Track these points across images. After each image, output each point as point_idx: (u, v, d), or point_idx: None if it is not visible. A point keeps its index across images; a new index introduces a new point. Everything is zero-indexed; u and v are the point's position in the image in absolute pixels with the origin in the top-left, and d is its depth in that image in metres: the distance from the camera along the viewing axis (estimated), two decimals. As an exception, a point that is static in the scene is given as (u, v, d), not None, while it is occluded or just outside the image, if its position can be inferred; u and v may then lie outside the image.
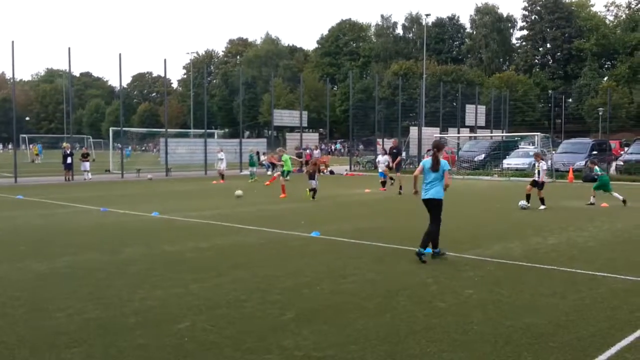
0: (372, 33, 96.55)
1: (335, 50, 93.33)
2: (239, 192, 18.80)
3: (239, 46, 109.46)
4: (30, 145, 59.30)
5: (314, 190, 18.00)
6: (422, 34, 77.86)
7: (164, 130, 34.76)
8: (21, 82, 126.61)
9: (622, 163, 28.73)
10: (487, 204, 17.25)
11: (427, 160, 9.02)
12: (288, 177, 19.98)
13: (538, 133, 29.18)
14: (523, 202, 15.20)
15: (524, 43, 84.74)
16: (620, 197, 16.00)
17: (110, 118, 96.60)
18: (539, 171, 15.37)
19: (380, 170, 22.01)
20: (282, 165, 20.24)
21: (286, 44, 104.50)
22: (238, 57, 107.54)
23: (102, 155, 50.98)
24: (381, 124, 40.95)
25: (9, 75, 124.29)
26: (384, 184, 21.43)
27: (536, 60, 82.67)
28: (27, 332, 5.52)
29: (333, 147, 69.92)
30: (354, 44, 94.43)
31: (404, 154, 30.53)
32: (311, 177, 18.32)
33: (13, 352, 5.00)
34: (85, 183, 26.10)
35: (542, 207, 15.03)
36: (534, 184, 15.47)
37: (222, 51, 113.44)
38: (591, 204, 16.18)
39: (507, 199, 18.65)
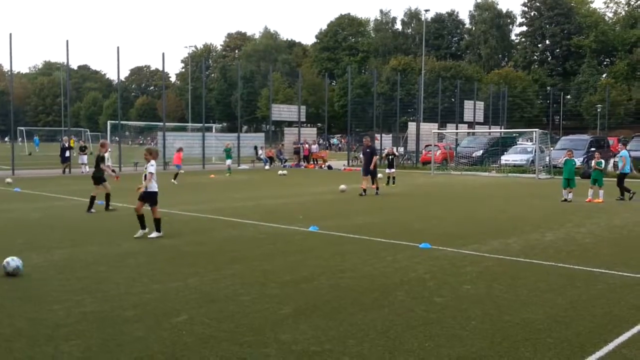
0: (371, 28, 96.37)
1: (333, 45, 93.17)
2: (343, 186, 18.92)
3: (237, 40, 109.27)
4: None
5: (389, 178, 21.33)
6: (421, 30, 77.76)
7: (161, 124, 34.69)
8: (19, 75, 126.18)
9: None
10: (485, 200, 17.26)
11: None
12: None
13: (536, 129, 29.17)
14: (152, 235, 10.00)
15: (523, 39, 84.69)
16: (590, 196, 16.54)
17: (108, 111, 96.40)
18: (145, 175, 10.27)
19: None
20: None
21: (285, 39, 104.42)
22: (236, 51, 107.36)
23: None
24: (379, 120, 40.92)
25: (6, 67, 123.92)
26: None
27: (535, 57, 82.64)
28: (25, 324, 5.51)
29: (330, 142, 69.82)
30: (353, 39, 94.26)
31: (395, 149, 30.06)
32: (390, 166, 21.71)
33: (11, 344, 4.99)
34: (82, 176, 26.03)
35: (153, 234, 10.09)
36: (142, 197, 10.19)
37: (221, 45, 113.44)
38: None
39: (505, 195, 18.67)
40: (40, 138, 69.36)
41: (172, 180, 21.86)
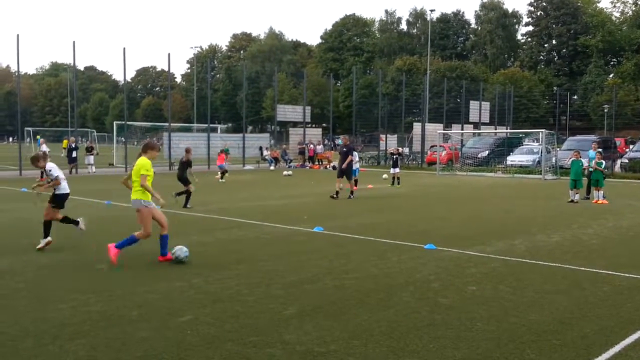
0: (376, 28, 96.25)
1: (338, 46, 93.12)
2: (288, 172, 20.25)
3: (242, 41, 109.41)
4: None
5: (394, 178, 21.62)
6: (426, 30, 77.63)
7: (167, 124, 34.78)
8: (26, 76, 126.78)
9: (627, 160, 28.64)
10: (491, 201, 17.21)
11: None
12: None
13: (543, 130, 29.06)
14: None
15: (529, 39, 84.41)
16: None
17: (114, 112, 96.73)
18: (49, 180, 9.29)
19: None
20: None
21: (290, 39, 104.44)
22: (242, 51, 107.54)
23: (106, 149, 51.06)
24: (384, 120, 40.89)
25: (14, 68, 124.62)
26: None
27: (541, 57, 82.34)
28: (31, 323, 5.53)
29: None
30: (358, 39, 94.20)
31: (404, 151, 29.88)
32: (394, 166, 21.73)
33: (16, 344, 5.01)
34: (89, 176, 26.13)
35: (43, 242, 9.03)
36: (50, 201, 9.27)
37: (226, 46, 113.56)
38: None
39: (511, 196, 18.61)
40: (48, 139, 69.51)
41: (220, 179, 23.64)
